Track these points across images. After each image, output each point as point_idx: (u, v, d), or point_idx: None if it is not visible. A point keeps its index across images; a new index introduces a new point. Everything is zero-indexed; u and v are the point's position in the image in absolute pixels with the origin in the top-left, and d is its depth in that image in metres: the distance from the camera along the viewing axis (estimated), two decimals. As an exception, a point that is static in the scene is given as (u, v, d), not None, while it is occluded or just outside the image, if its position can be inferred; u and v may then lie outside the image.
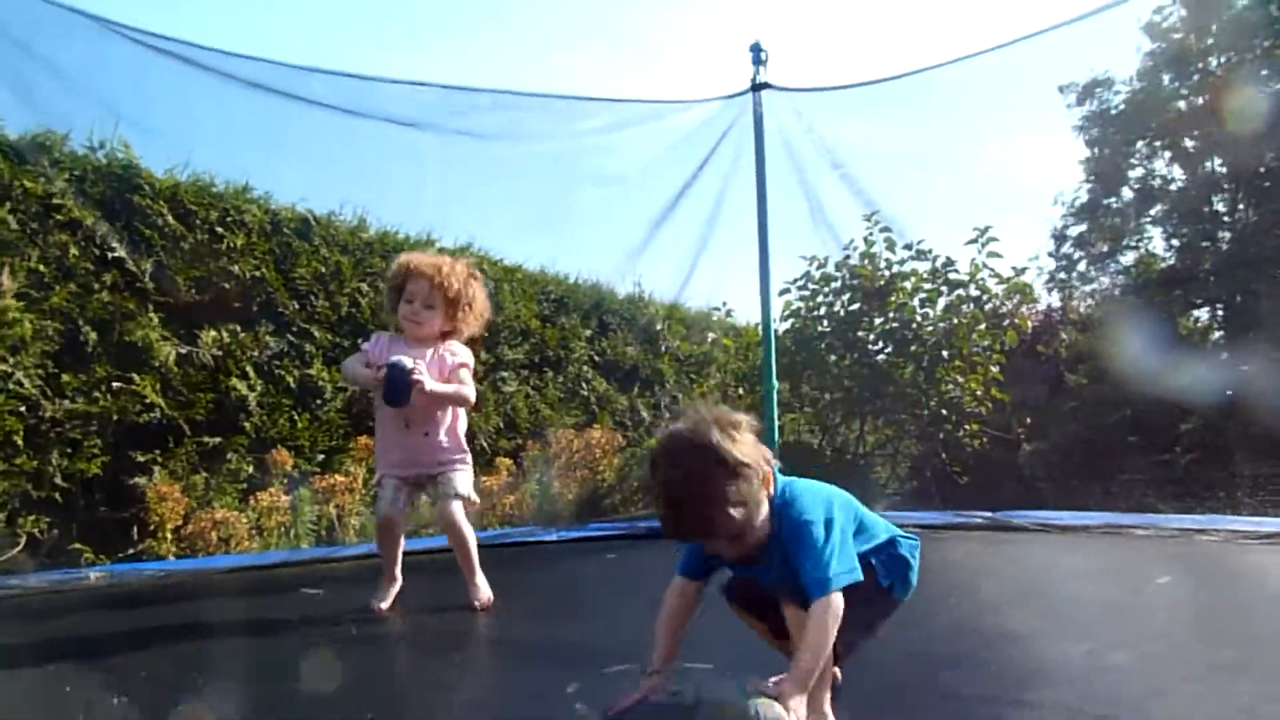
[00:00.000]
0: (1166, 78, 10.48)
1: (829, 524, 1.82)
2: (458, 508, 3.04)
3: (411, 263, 3.10)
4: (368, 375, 2.95)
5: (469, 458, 3.16)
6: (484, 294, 3.20)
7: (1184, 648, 2.57)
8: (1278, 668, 2.33)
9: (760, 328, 6.83)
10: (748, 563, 1.87)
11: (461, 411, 3.13)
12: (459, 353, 3.12)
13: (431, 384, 2.88)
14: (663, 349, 8.30)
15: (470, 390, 3.07)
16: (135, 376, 4.91)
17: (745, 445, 1.75)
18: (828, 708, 1.81)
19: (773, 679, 1.71)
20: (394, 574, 3.10)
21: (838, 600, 1.72)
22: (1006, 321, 7.21)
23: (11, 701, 2.24)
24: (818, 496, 1.88)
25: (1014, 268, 7.15)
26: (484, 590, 3.05)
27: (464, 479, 3.10)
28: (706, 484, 1.71)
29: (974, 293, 7.11)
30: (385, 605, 3.03)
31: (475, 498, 3.16)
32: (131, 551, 4.69)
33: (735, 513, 1.72)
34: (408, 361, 2.82)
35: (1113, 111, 11.21)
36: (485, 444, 6.61)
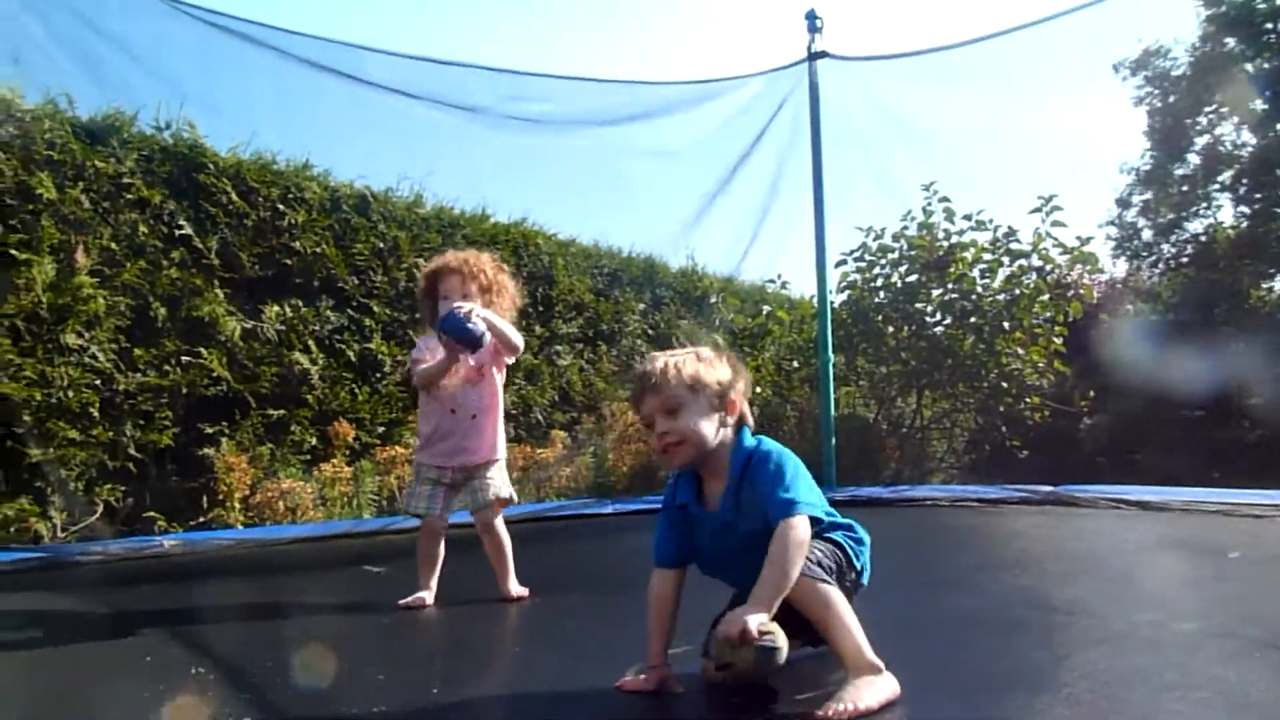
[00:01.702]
0: (1231, 41, 10.09)
1: (798, 469, 1.92)
2: (496, 512, 3.01)
3: (437, 265, 3.06)
4: (440, 358, 2.91)
5: (505, 450, 3.12)
6: (512, 283, 3.12)
7: (1256, 618, 2.50)
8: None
9: (816, 300, 6.77)
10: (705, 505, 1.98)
11: (500, 399, 3.09)
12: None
13: (484, 312, 2.86)
14: (717, 322, 8.28)
15: (519, 337, 3.03)
16: (203, 351, 5.04)
17: (722, 374, 1.97)
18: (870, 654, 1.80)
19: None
20: (430, 582, 2.96)
21: (803, 524, 1.79)
22: (1070, 292, 7.06)
23: (95, 668, 2.32)
24: (788, 451, 1.99)
25: (1078, 237, 6.99)
26: (516, 588, 2.98)
27: (503, 479, 3.06)
28: (682, 368, 1.95)
29: (1036, 263, 6.97)
30: (419, 607, 2.90)
31: (515, 496, 3.12)
32: (202, 519, 4.84)
33: (693, 416, 1.93)
34: (453, 309, 2.80)
35: (1174, 74, 10.85)
36: (540, 417, 6.68)
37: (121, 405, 4.73)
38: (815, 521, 1.86)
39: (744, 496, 1.92)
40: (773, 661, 1.73)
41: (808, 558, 1.80)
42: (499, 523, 3.01)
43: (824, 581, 1.80)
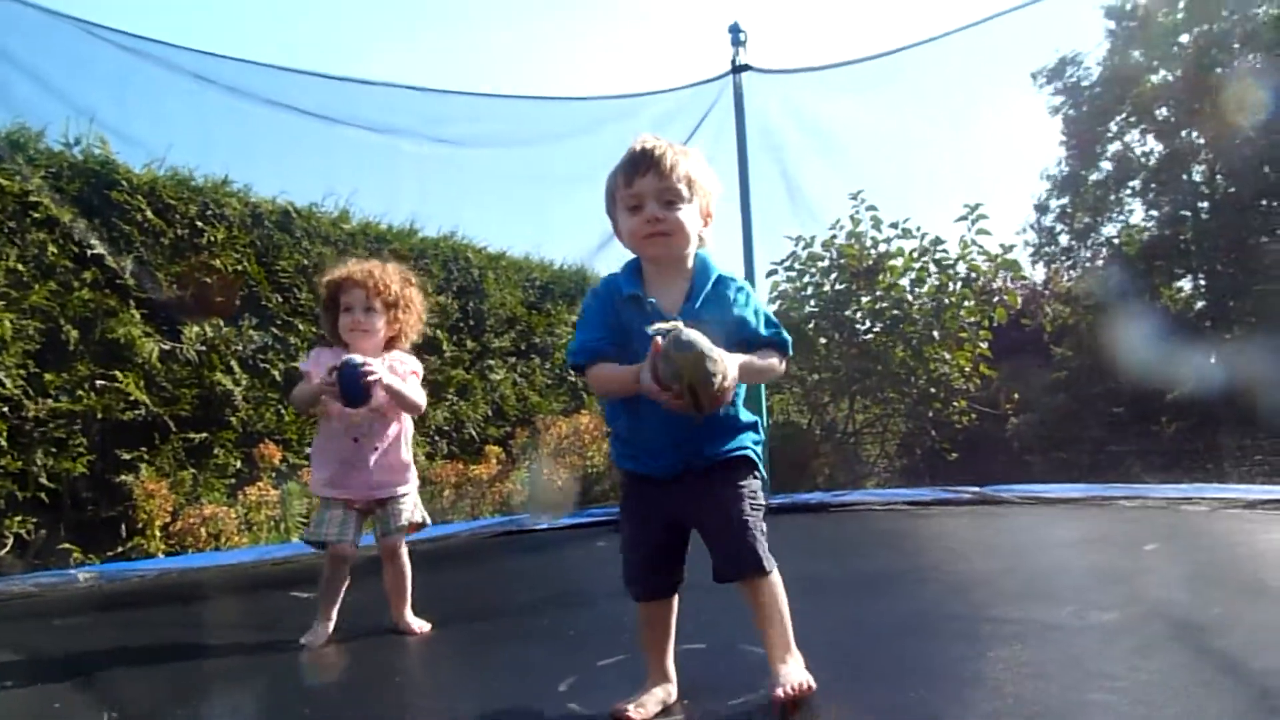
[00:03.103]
0: (1136, 53, 10.52)
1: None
2: (407, 534, 2.93)
3: (340, 275, 2.91)
4: (316, 385, 2.76)
5: (415, 475, 3.02)
6: (420, 298, 3.02)
7: (1171, 608, 2.59)
8: (1263, 623, 2.37)
9: (747, 309, 6.81)
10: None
11: (408, 426, 2.98)
12: (408, 360, 2.96)
13: (388, 378, 2.75)
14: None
15: (422, 398, 2.92)
16: (118, 374, 4.86)
17: (713, 184, 2.00)
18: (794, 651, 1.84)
19: None
20: (331, 614, 2.80)
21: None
22: (996, 298, 7.23)
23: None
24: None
25: (1001, 245, 7.18)
26: (415, 621, 2.87)
27: (415, 503, 2.96)
28: (683, 162, 1.92)
29: (962, 271, 7.12)
30: (320, 643, 2.73)
31: (428, 519, 3.03)
32: (120, 550, 4.66)
33: (687, 214, 1.90)
34: (358, 358, 2.69)
35: (1084, 84, 11.26)
36: (474, 432, 6.60)
37: (31, 433, 4.54)
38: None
39: (706, 311, 1.88)
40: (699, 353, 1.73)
41: (760, 532, 1.85)
42: (403, 551, 2.90)
43: (775, 573, 1.84)
